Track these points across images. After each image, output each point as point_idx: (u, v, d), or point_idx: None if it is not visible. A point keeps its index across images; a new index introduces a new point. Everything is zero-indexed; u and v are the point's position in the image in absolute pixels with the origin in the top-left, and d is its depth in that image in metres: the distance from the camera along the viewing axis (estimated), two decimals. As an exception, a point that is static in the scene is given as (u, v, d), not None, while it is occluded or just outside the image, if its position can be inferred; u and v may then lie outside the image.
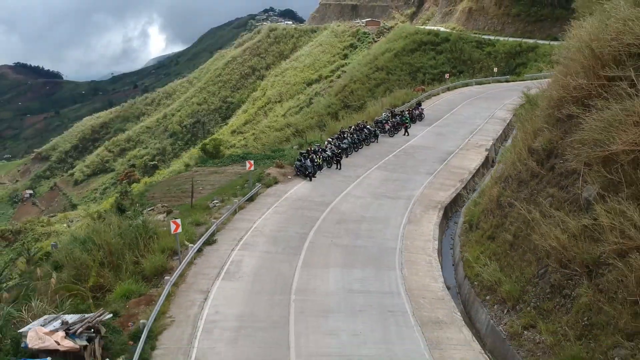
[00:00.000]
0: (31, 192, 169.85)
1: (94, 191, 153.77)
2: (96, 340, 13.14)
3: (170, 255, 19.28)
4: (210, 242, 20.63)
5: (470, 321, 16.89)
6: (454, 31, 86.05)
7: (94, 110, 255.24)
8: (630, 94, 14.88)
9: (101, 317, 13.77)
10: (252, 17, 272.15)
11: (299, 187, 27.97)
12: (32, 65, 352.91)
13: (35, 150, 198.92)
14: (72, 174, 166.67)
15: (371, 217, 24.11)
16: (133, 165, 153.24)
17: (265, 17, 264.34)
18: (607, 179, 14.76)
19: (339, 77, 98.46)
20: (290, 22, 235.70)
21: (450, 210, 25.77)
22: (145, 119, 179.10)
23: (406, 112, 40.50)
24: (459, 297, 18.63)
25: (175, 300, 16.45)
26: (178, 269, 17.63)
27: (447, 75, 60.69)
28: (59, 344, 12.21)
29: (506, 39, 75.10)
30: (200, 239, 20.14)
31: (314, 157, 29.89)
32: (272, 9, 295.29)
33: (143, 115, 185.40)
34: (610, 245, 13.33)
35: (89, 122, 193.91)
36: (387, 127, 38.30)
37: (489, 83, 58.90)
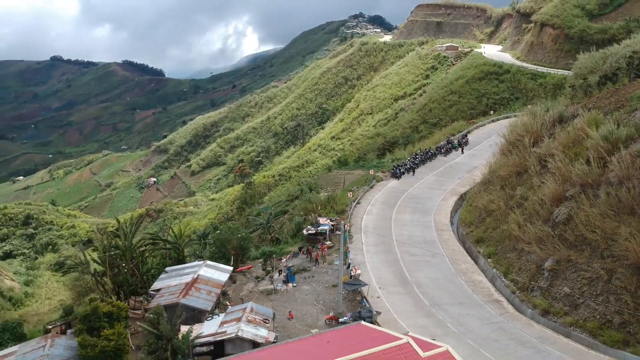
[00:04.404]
0: (155, 179, 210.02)
1: (208, 181, 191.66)
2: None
3: (346, 205, 54.09)
4: (358, 202, 55.42)
5: (456, 231, 50.38)
6: (517, 60, 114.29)
7: (196, 108, 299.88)
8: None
9: (335, 218, 49.00)
10: (342, 23, 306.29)
11: (393, 183, 62.33)
12: (138, 63, 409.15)
13: (155, 143, 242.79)
14: (189, 166, 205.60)
15: (425, 197, 58.04)
16: (242, 161, 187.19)
17: (355, 23, 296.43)
18: (501, 185, 47.82)
19: (420, 95, 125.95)
20: (378, 30, 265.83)
21: (464, 196, 58.74)
22: (250, 120, 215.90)
23: (456, 141, 73.19)
24: (456, 225, 51.99)
25: (351, 219, 51.36)
26: (351, 210, 52.74)
27: (492, 112, 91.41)
28: (328, 223, 47.35)
29: (556, 71, 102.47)
30: (355, 201, 54.87)
31: (401, 167, 63.87)
32: (361, 15, 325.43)
33: (247, 116, 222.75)
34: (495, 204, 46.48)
35: (200, 120, 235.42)
36: (443, 150, 71.27)
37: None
